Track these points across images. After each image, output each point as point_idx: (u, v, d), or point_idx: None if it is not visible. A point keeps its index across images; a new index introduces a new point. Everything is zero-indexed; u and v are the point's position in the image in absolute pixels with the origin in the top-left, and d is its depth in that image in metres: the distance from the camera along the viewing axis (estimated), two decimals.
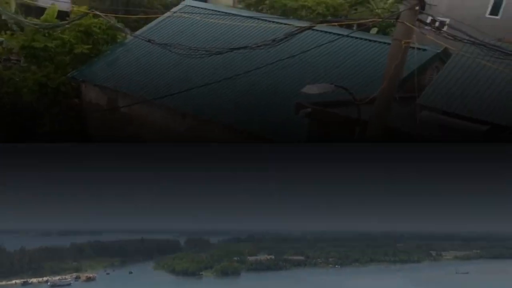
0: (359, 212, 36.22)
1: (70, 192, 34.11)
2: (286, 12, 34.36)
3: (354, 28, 19.03)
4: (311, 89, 9.64)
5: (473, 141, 10.85)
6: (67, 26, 19.64)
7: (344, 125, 11.27)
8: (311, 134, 12.23)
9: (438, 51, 15.08)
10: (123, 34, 20.96)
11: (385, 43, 16.02)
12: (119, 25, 18.10)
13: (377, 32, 33.24)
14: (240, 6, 37.66)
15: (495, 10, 29.88)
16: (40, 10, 28.92)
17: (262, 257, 25.71)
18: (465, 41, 9.39)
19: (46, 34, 20.61)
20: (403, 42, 9.29)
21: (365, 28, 19.18)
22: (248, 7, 36.10)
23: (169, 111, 17.37)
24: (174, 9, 23.17)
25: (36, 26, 19.91)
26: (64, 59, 20.53)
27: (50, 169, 29.37)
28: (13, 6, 27.11)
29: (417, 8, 8.98)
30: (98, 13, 16.11)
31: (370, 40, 16.59)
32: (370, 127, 8.88)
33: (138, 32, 19.65)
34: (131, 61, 19.65)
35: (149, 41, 12.89)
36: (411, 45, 9.39)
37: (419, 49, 14.47)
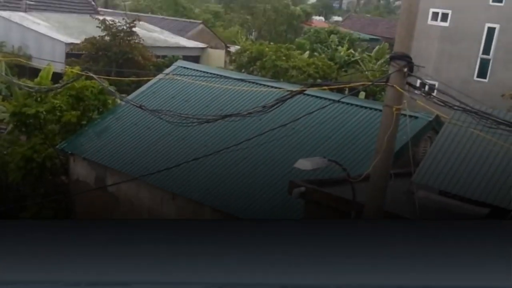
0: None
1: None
2: (277, 73, 34.74)
3: (346, 91, 19.06)
4: (303, 164, 9.34)
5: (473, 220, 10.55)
6: (59, 90, 18.72)
7: (339, 207, 11.01)
8: (307, 216, 11.89)
9: (430, 119, 14.82)
10: (114, 99, 20.48)
11: (376, 109, 16.04)
12: (111, 88, 17.73)
13: (366, 96, 33.61)
14: (231, 67, 38.11)
15: (482, 73, 30.33)
16: (34, 71, 28.99)
17: None
18: (456, 107, 9.34)
19: (38, 99, 19.61)
20: (394, 108, 9.18)
21: (357, 92, 19.26)
22: (239, 68, 36.52)
23: (157, 191, 16.67)
24: (166, 70, 23.22)
25: (30, 89, 18.80)
26: (53, 128, 19.44)
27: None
28: (2, 67, 26.50)
29: (405, 70, 8.90)
30: (91, 75, 15.79)
31: (361, 106, 16.57)
32: (366, 210, 8.58)
33: (129, 97, 19.57)
34: (120, 132, 19.12)
35: (140, 107, 12.87)
36: (402, 111, 9.28)
37: (410, 116, 14.42)
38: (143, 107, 12.85)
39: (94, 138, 19.23)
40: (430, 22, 31.96)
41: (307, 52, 41.29)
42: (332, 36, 48.58)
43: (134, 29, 32.20)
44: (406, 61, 8.69)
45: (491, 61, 30.19)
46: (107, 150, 18.58)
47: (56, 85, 18.45)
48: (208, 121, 12.38)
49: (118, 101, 20.87)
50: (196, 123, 12.47)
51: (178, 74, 21.22)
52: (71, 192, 18.85)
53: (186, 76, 20.87)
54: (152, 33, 39.76)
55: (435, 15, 31.88)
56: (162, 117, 12.81)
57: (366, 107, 16.60)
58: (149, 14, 51.87)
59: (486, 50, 30.23)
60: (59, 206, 18.82)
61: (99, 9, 48.79)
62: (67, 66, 25.54)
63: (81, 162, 19.03)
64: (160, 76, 22.21)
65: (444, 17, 31.64)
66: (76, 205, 19.10)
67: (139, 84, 22.48)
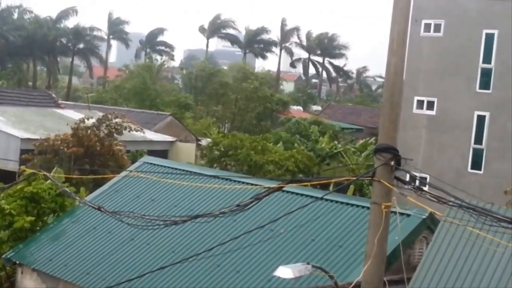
0: None
1: None
2: (252, 168, 34.73)
3: (330, 186, 18.87)
4: (285, 272, 8.96)
5: None
6: (5, 189, 18.11)
7: None
8: None
9: (424, 217, 14.56)
10: (73, 201, 20.06)
11: (364, 207, 15.82)
12: (69, 189, 17.40)
13: (354, 191, 33.58)
14: (202, 162, 38.09)
15: (476, 164, 30.57)
16: None
17: None
18: (451, 203, 9.17)
19: None
20: (383, 206, 8.99)
21: (342, 187, 19.10)
22: (211, 163, 36.49)
23: None
24: (132, 167, 23.04)
25: None
26: (2, 235, 18.71)
27: None
28: None
29: (392, 163, 8.78)
30: (47, 174, 15.39)
31: (347, 204, 16.37)
32: None
33: (89, 198, 19.25)
34: (77, 237, 18.55)
35: (98, 209, 12.56)
36: (392, 209, 9.10)
37: (402, 214, 14.26)
38: (102, 209, 12.52)
39: (47, 245, 18.57)
40: (415, 110, 32.48)
41: (280, 144, 41.53)
42: (312, 127, 49.19)
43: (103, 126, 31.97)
44: (392, 154, 8.57)
45: (484, 151, 30.48)
46: (61, 259, 17.92)
47: (6, 185, 17.81)
48: (176, 223, 12.04)
49: (77, 202, 20.55)
50: (163, 226, 12.12)
51: (143, 171, 21.00)
52: None
53: (152, 173, 20.65)
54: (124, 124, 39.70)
55: (420, 103, 32.47)
56: (123, 220, 12.44)
57: (352, 205, 16.37)
58: (114, 107, 52.26)
59: (478, 139, 30.59)
60: None
61: (60, 101, 49.04)
62: (22, 166, 25.16)
63: (30, 274, 18.28)
64: (123, 173, 21.97)
65: (430, 105, 32.22)
66: None
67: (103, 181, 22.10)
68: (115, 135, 31.91)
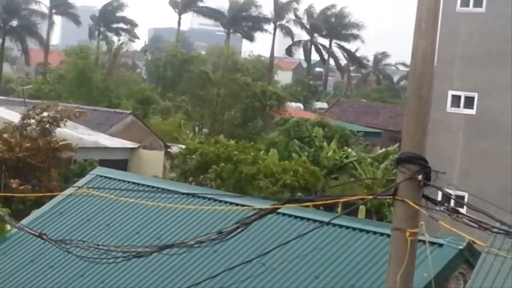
0: None
1: None
2: (240, 183, 34.84)
3: (339, 208, 18.99)
4: None
5: None
6: None
7: None
8: None
9: (461, 247, 14.64)
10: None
11: (382, 234, 15.89)
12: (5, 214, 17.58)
13: (366, 213, 33.66)
14: (173, 174, 38.18)
15: None
16: None
17: None
18: (495, 230, 9.26)
19: None
20: (407, 232, 9.07)
21: (354, 209, 19.21)
22: (184, 175, 36.59)
23: None
24: (80, 182, 23.07)
25: None
26: None
27: None
28: None
29: (419, 177, 8.86)
30: None
31: (361, 230, 16.46)
32: None
33: (25, 221, 19.25)
34: (8, 274, 18.44)
35: (39, 236, 12.57)
36: (420, 237, 9.19)
37: (432, 244, 14.31)
38: (43, 236, 12.55)
39: None
40: (450, 109, 32.66)
41: (274, 152, 41.65)
42: (316, 129, 49.35)
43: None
44: (419, 165, 8.66)
45: None
46: None
47: None
48: (139, 256, 12.09)
49: (8, 227, 20.49)
50: (122, 259, 12.17)
51: (96, 188, 21.06)
52: None
53: (108, 190, 20.72)
54: (60, 129, 39.73)
55: (456, 100, 32.62)
56: (70, 251, 12.49)
57: (368, 231, 16.42)
58: (56, 102, 52.22)
59: None
60: None
61: None
62: None
63: None
64: (70, 190, 22.03)
65: (469, 102, 32.36)
66: None
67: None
68: (53, 131, 32.15)
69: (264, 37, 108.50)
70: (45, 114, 32.72)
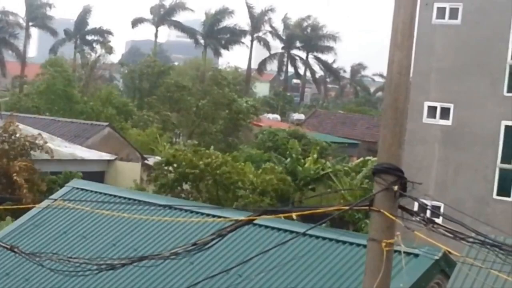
0: None
1: None
2: (218, 194, 34.82)
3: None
4: None
5: None
6: None
7: None
8: None
9: (437, 257, 14.62)
10: None
11: (358, 244, 15.79)
12: None
13: (342, 224, 33.65)
14: (151, 187, 38.07)
15: (504, 189, 30.77)
16: None
17: None
18: (471, 240, 9.26)
19: None
20: (383, 243, 9.07)
21: (329, 220, 19.14)
22: (162, 189, 36.51)
23: None
24: (56, 194, 22.96)
25: None
26: None
27: None
28: None
29: (395, 188, 8.86)
30: None
31: (338, 241, 16.43)
32: None
33: (0, 235, 19.16)
34: None
35: (11, 249, 12.47)
36: (396, 247, 9.18)
37: (408, 254, 14.30)
38: (16, 250, 12.45)
39: None
40: (426, 119, 32.75)
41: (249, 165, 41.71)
42: (291, 141, 49.41)
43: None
44: (395, 176, 8.66)
45: None
46: None
47: None
48: (114, 268, 12.05)
49: None
50: (97, 271, 12.10)
51: (72, 200, 20.97)
52: None
53: (84, 202, 20.62)
54: (36, 141, 39.55)
55: (432, 111, 32.70)
56: (44, 265, 12.41)
57: (345, 242, 16.38)
58: (34, 115, 52.03)
59: (506, 157, 30.82)
60: None
61: None
62: None
63: None
64: (46, 202, 21.92)
65: (445, 113, 32.44)
66: None
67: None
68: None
69: (241, 49, 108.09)
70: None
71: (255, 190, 35.46)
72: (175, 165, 36.39)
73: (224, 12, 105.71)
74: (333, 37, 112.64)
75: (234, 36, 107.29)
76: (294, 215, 9.89)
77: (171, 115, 63.78)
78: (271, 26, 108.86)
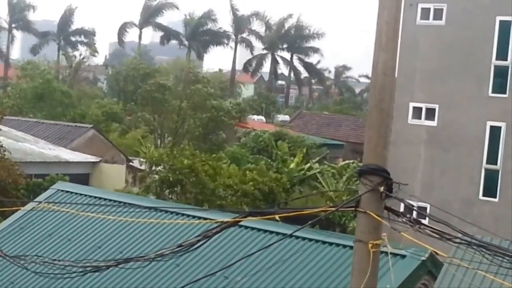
0: None
1: None
2: (203, 194, 34.79)
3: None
4: None
5: None
6: None
7: None
8: None
9: (424, 258, 14.64)
10: None
11: (345, 246, 15.79)
12: None
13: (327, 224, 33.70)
14: (136, 189, 38.02)
15: (489, 190, 30.86)
16: None
17: None
18: (458, 240, 9.29)
19: None
20: (370, 244, 9.09)
21: (316, 221, 19.15)
22: (148, 191, 36.46)
23: None
24: (41, 196, 22.87)
25: None
26: None
27: None
28: None
29: (381, 189, 8.87)
30: None
31: (324, 242, 16.40)
32: None
33: None
34: None
35: None
36: (382, 248, 9.20)
37: (395, 255, 14.31)
38: (0, 253, 12.41)
39: None
40: (411, 120, 32.81)
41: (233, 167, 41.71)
42: (280, 143, 49.47)
43: None
44: (381, 177, 8.68)
45: (500, 173, 30.78)
46: None
47: None
48: (99, 269, 12.02)
49: None
50: (82, 273, 12.09)
51: (56, 202, 20.90)
52: None
53: (69, 205, 20.55)
54: (21, 143, 39.46)
55: (417, 112, 32.77)
56: (28, 268, 12.37)
57: (331, 243, 16.39)
58: (18, 117, 51.83)
59: (492, 158, 30.89)
60: None
61: None
62: None
63: None
64: (30, 205, 21.84)
65: (430, 113, 32.50)
66: None
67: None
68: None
69: (225, 51, 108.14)
70: None
71: (236, 192, 35.44)
72: (159, 168, 36.39)
73: (208, 15, 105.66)
74: (318, 37, 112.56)
75: (217, 38, 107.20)
76: (277, 216, 9.93)
77: (155, 117, 63.61)
78: (251, 30, 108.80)
